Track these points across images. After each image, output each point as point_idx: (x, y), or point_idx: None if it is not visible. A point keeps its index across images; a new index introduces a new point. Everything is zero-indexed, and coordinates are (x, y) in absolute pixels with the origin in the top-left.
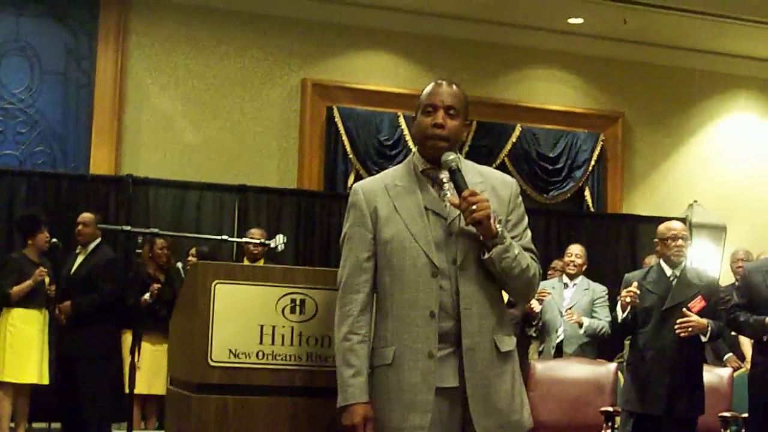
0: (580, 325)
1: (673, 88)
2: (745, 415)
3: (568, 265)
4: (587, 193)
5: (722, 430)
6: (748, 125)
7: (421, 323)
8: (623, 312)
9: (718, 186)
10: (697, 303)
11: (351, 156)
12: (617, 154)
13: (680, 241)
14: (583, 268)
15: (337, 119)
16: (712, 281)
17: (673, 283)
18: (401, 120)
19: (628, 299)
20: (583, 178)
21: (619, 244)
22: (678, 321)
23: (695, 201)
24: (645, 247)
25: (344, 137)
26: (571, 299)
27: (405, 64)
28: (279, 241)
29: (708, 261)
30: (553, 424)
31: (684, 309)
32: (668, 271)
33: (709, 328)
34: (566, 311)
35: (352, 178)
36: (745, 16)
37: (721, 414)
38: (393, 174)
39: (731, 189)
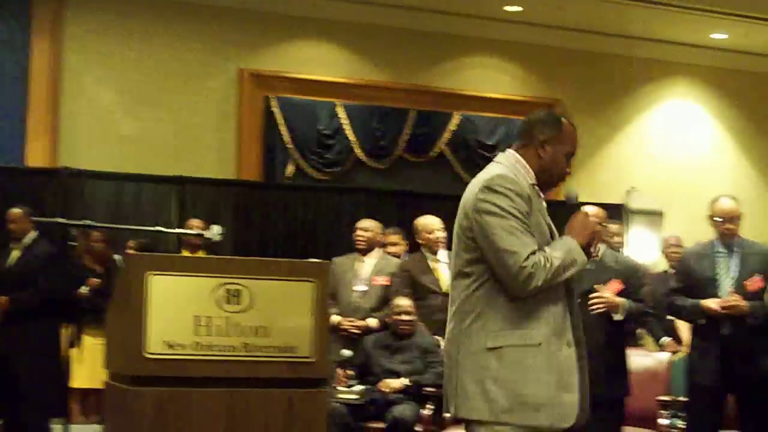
0: None
1: (610, 75)
2: (683, 398)
3: None
4: None
5: (660, 413)
6: (685, 111)
7: (560, 315)
8: None
9: (655, 172)
10: (612, 285)
11: (289, 146)
12: None
13: None
14: None
15: (275, 109)
16: (631, 265)
17: (590, 267)
18: (339, 109)
19: None
20: None
21: (559, 230)
22: (591, 296)
23: (633, 187)
24: None
25: (282, 127)
26: None
27: (343, 53)
28: (215, 231)
29: (645, 246)
30: None
31: (596, 287)
32: None
33: (622, 307)
34: None
35: (290, 168)
36: (681, 3)
37: (659, 398)
38: (516, 175)
39: (668, 175)
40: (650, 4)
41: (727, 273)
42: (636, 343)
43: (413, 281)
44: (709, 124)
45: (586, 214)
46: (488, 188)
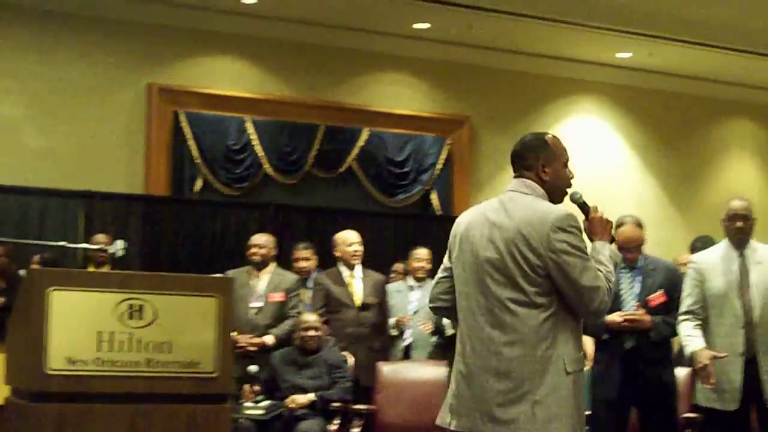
0: (434, 333)
1: (518, 92)
2: (588, 412)
3: (416, 270)
4: (434, 196)
5: None
6: (591, 129)
7: None
8: (452, 328)
9: None
10: None
11: (198, 161)
12: (463, 158)
13: None
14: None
15: (184, 124)
16: None
17: None
18: (248, 125)
19: None
20: (430, 181)
21: None
22: None
23: None
24: None
25: (191, 142)
26: (417, 302)
27: (252, 69)
28: (118, 246)
29: None
30: (401, 425)
31: None
32: None
33: None
34: (420, 322)
35: (199, 183)
36: (586, 21)
37: None
38: None
39: (574, 190)
40: (557, 23)
41: (630, 289)
42: None
43: (328, 294)
44: (614, 141)
45: (597, 209)
46: (561, 229)
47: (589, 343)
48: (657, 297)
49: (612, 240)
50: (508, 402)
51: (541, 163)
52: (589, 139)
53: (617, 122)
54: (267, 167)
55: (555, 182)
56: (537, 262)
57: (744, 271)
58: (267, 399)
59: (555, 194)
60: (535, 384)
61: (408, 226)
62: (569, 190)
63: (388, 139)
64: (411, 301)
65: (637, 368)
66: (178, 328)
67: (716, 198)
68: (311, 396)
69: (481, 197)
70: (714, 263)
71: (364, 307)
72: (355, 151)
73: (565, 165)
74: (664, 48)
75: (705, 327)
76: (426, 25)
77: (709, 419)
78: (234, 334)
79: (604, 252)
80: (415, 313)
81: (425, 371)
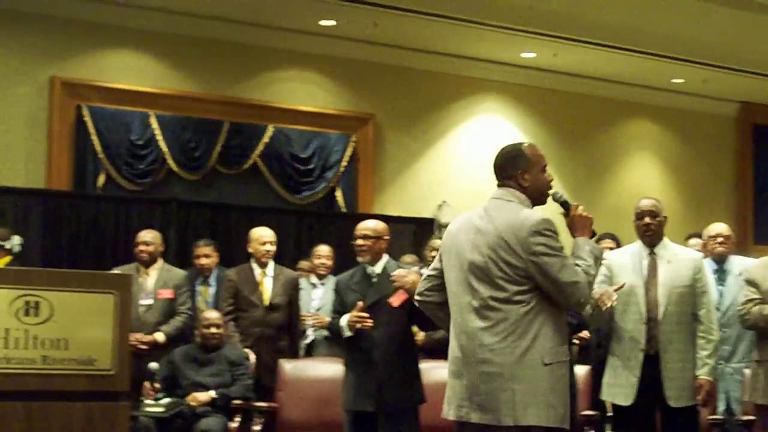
0: (332, 334)
1: (423, 90)
2: None
3: (318, 267)
4: (338, 193)
5: None
6: (495, 127)
7: None
8: (350, 331)
9: (466, 186)
10: (398, 296)
11: (101, 156)
12: (368, 156)
13: (359, 241)
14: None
15: (87, 118)
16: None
17: (374, 280)
18: (152, 120)
19: (359, 326)
20: (334, 178)
21: None
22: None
23: (444, 201)
24: (396, 247)
25: (94, 137)
26: (320, 300)
27: (156, 64)
28: (14, 242)
29: None
30: (302, 423)
31: (389, 301)
32: (369, 269)
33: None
34: (313, 316)
35: (102, 178)
36: (492, 21)
37: None
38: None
39: (480, 189)
40: (462, 22)
41: None
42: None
43: (237, 292)
44: (518, 140)
45: (577, 207)
46: (538, 233)
47: None
48: None
49: (593, 235)
50: (492, 390)
51: (520, 171)
52: (493, 138)
53: (521, 122)
54: (171, 163)
55: (535, 187)
56: (518, 264)
57: (653, 269)
58: (167, 396)
59: (536, 198)
60: (514, 374)
61: (312, 223)
62: (550, 192)
63: (292, 135)
64: (314, 298)
65: None
66: (75, 325)
67: (618, 198)
68: (212, 393)
69: (386, 195)
70: (624, 260)
71: (272, 307)
72: (260, 147)
73: (543, 170)
74: (568, 49)
75: (610, 322)
76: (332, 23)
77: (614, 415)
78: None
79: (585, 247)
80: (318, 310)
81: (326, 369)
